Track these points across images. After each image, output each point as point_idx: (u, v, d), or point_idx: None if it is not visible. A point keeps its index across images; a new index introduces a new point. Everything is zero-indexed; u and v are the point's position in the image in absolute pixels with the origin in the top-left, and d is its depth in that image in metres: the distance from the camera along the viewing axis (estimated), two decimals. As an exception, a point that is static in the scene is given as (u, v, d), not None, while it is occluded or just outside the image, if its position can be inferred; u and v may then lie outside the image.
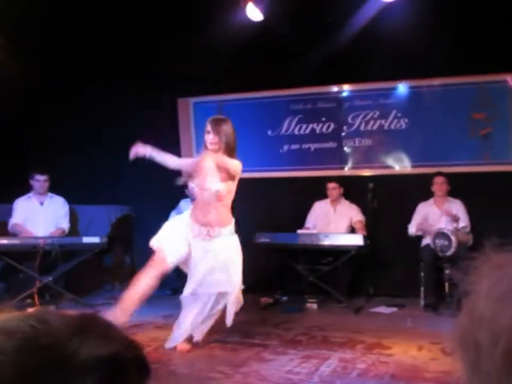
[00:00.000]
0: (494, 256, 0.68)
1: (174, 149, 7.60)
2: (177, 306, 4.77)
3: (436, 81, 6.85)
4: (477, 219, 6.23)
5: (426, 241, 6.28)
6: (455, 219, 6.13)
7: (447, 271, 5.79)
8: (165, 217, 7.03)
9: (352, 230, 6.67)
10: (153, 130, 7.52)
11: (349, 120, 7.19)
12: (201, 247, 4.54)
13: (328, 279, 6.35)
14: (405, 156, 6.99)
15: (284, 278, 6.85)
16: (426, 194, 6.50)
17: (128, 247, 7.99)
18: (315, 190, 6.98)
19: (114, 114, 7.59)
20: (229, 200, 4.64)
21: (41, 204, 6.88)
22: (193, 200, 6.85)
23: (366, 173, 7.17)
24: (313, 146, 7.36)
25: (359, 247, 6.01)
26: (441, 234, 5.97)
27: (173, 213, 7.11)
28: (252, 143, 7.33)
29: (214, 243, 4.54)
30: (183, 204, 7.08)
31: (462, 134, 6.75)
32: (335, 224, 6.75)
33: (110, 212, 7.65)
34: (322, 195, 6.92)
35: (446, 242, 5.87)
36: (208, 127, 4.55)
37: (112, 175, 7.61)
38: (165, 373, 4.04)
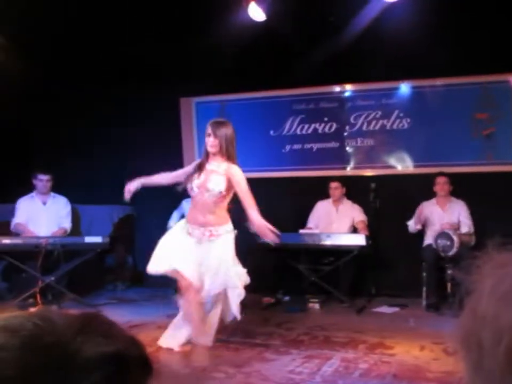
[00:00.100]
0: (497, 255, 0.67)
1: (176, 148, 7.63)
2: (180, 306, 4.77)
3: (439, 81, 6.84)
4: (479, 219, 6.22)
5: (428, 241, 6.27)
6: (455, 228, 6.13)
7: (449, 271, 5.79)
8: (166, 217, 7.07)
9: (354, 230, 6.67)
10: (155, 130, 7.56)
11: (351, 120, 7.18)
12: (203, 250, 4.53)
13: (330, 279, 6.35)
14: (407, 156, 6.98)
15: (286, 278, 6.86)
16: (429, 195, 6.50)
17: (130, 247, 8.00)
18: (317, 190, 6.98)
19: (116, 114, 7.60)
20: (227, 201, 4.64)
21: (44, 203, 6.89)
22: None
23: (368, 173, 7.16)
24: (315, 146, 7.36)
25: (361, 247, 6.01)
26: (443, 235, 5.97)
27: (174, 213, 7.11)
28: (254, 143, 7.34)
29: (215, 243, 4.54)
30: (185, 204, 7.08)
31: (464, 134, 6.75)
32: (337, 224, 6.75)
33: (112, 212, 7.66)
34: (325, 195, 6.91)
35: (448, 243, 5.87)
36: (209, 130, 4.55)
37: (114, 174, 7.61)
38: (167, 373, 4.04)
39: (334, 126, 7.27)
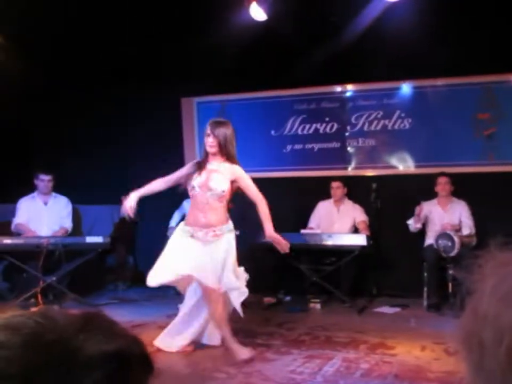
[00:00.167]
0: (499, 254, 0.67)
1: (176, 148, 7.63)
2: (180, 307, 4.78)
3: (440, 81, 6.84)
4: (481, 219, 6.21)
5: (430, 241, 6.27)
6: (456, 229, 6.13)
7: (450, 271, 5.79)
8: (167, 217, 7.07)
9: (355, 230, 6.67)
10: (156, 130, 7.57)
11: (353, 120, 7.18)
12: (209, 251, 4.53)
13: (331, 279, 6.34)
14: (409, 156, 6.98)
15: (287, 278, 6.85)
16: (430, 195, 6.49)
17: (131, 247, 8.01)
18: (318, 190, 6.98)
19: (116, 114, 7.61)
20: (227, 200, 4.65)
21: (45, 203, 6.89)
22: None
23: (370, 173, 7.16)
24: (316, 146, 7.36)
25: (362, 247, 6.01)
26: (444, 235, 5.96)
27: (175, 213, 7.12)
28: (255, 143, 7.34)
29: (218, 243, 4.54)
30: (186, 204, 7.08)
31: (466, 134, 6.74)
32: (338, 224, 6.75)
33: (113, 212, 7.65)
34: (326, 195, 6.91)
35: (449, 243, 5.86)
36: (208, 130, 4.55)
37: (115, 174, 7.62)
38: (168, 373, 4.04)
39: (335, 126, 7.27)
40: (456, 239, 5.82)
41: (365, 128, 7.13)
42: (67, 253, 6.30)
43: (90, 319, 0.67)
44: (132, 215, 4.64)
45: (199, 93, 7.64)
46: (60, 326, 0.64)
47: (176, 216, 7.11)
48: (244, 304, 4.62)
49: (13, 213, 6.79)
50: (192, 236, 4.54)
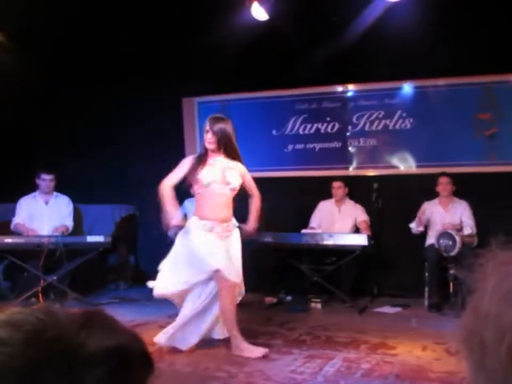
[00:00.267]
0: (500, 253, 0.67)
1: (176, 148, 7.63)
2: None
3: (441, 81, 6.83)
4: (482, 219, 6.21)
5: (431, 241, 6.26)
6: (457, 229, 6.13)
7: (451, 271, 5.78)
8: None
9: (356, 230, 6.66)
10: (156, 130, 7.57)
11: (354, 120, 7.18)
12: (223, 246, 4.56)
13: (332, 279, 6.34)
14: (410, 156, 6.98)
15: (288, 277, 6.85)
16: (431, 194, 6.49)
17: (132, 247, 8.01)
18: (319, 190, 6.98)
19: (117, 114, 7.61)
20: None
21: (46, 203, 6.90)
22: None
23: (371, 173, 7.16)
24: (317, 146, 7.36)
25: (363, 247, 6.00)
26: (445, 234, 5.96)
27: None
28: (256, 142, 7.34)
29: (231, 239, 4.62)
30: (187, 203, 7.08)
31: (467, 134, 6.74)
32: (339, 224, 6.74)
33: (114, 211, 7.67)
34: (327, 195, 6.91)
35: (450, 242, 5.86)
36: (207, 126, 4.56)
37: (117, 174, 7.64)
38: (170, 372, 4.05)
39: (337, 126, 7.27)
40: (457, 238, 5.82)
41: (366, 128, 7.13)
42: (68, 252, 6.30)
43: (91, 316, 0.67)
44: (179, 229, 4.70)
45: (200, 92, 7.64)
46: (61, 323, 0.64)
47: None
48: (245, 304, 4.63)
49: (13, 213, 6.80)
50: (210, 231, 4.54)
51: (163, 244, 6.74)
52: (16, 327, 0.62)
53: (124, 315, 5.23)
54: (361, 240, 6.06)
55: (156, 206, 7.41)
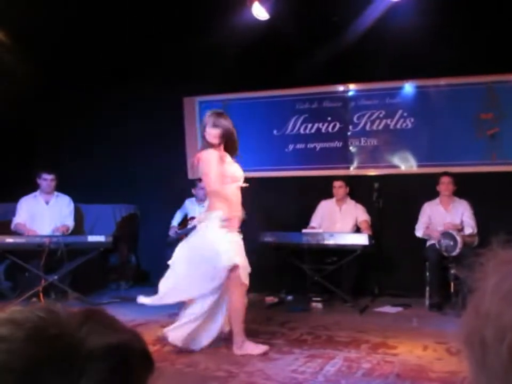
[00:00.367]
0: (501, 252, 0.67)
1: (176, 147, 7.63)
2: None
3: (443, 81, 6.83)
4: (483, 219, 6.20)
5: (432, 241, 6.26)
6: (458, 229, 6.12)
7: (452, 271, 5.78)
8: (170, 217, 7.08)
9: (357, 230, 6.66)
10: (157, 130, 7.57)
11: (355, 119, 7.17)
12: (241, 243, 4.63)
13: (333, 278, 6.34)
14: (411, 156, 6.97)
15: (289, 277, 6.85)
16: (432, 194, 6.49)
17: (133, 246, 8.01)
18: (320, 190, 6.98)
19: (120, 113, 7.61)
20: None
21: (47, 203, 6.90)
22: (199, 199, 6.87)
23: (372, 172, 7.16)
24: (318, 145, 7.35)
25: (364, 247, 6.00)
26: (446, 234, 5.96)
27: (177, 213, 7.12)
28: (257, 142, 7.34)
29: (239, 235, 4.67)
30: (188, 203, 7.09)
31: (469, 134, 6.73)
32: (340, 224, 6.74)
33: (115, 211, 7.67)
34: (328, 195, 6.91)
35: (452, 243, 5.86)
36: (211, 121, 4.56)
37: (118, 174, 7.64)
38: (171, 372, 4.05)
39: (337, 125, 7.26)
40: (458, 238, 5.82)
41: (367, 127, 7.12)
42: (69, 252, 6.30)
43: (92, 314, 0.68)
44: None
45: (201, 92, 7.64)
46: (62, 321, 0.65)
47: (178, 216, 7.11)
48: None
49: (14, 212, 6.80)
50: (234, 227, 4.60)
51: (164, 244, 6.77)
52: (17, 325, 0.63)
53: (125, 315, 5.23)
54: (362, 239, 6.06)
55: (157, 206, 7.47)
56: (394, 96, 7.05)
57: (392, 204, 6.78)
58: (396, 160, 7.04)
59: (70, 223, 6.93)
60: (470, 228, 6.20)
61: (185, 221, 7.00)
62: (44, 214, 6.82)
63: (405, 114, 6.96)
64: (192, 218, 6.50)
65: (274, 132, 7.51)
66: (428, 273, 6.21)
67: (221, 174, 4.54)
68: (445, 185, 6.39)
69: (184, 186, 7.18)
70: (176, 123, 7.76)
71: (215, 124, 4.54)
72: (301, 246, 6.31)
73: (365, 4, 6.35)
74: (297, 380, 3.95)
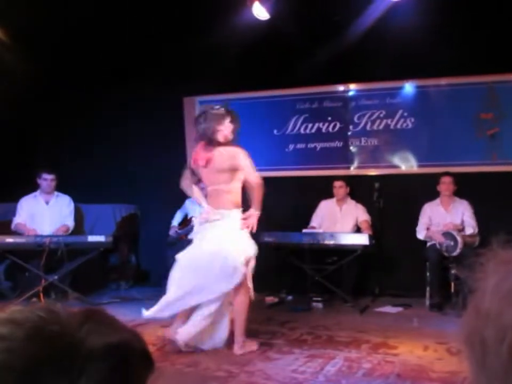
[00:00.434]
0: (501, 252, 0.67)
1: (178, 148, 7.63)
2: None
3: (443, 81, 6.82)
4: (484, 219, 6.20)
5: (432, 241, 6.26)
6: (459, 229, 6.12)
7: (452, 271, 5.78)
8: (170, 216, 7.07)
9: (357, 230, 6.66)
10: (157, 130, 7.57)
11: (355, 119, 7.17)
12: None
13: (333, 278, 6.34)
14: (411, 156, 6.97)
15: (289, 277, 6.85)
16: (433, 194, 6.48)
17: (134, 246, 8.01)
18: (321, 190, 6.98)
19: (120, 113, 7.61)
20: None
21: (47, 202, 6.90)
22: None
23: (372, 172, 7.15)
24: (319, 145, 7.35)
25: (364, 247, 6.00)
26: (447, 235, 5.95)
27: (178, 213, 7.11)
28: (257, 142, 7.32)
29: None
30: (188, 203, 7.08)
31: (469, 134, 6.73)
32: (341, 224, 6.74)
33: (115, 211, 7.67)
34: (328, 194, 6.91)
35: (452, 243, 5.86)
36: (226, 116, 4.55)
37: (118, 173, 7.64)
38: (171, 372, 4.05)
39: (338, 125, 7.26)
40: (459, 238, 5.81)
41: (368, 127, 7.12)
42: (69, 251, 6.30)
43: (92, 314, 0.68)
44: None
45: (201, 92, 7.64)
46: (62, 320, 0.65)
47: (178, 216, 7.11)
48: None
49: (14, 212, 6.81)
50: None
51: (164, 244, 6.77)
52: (17, 324, 0.63)
53: (125, 315, 5.22)
54: (362, 239, 6.06)
55: (157, 206, 7.46)
56: (395, 96, 7.05)
57: (392, 203, 6.78)
58: (396, 160, 7.04)
59: (70, 223, 6.93)
60: (471, 228, 6.20)
61: (185, 220, 7.00)
62: (44, 214, 6.82)
63: (405, 114, 6.96)
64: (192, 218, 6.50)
65: (275, 131, 7.51)
66: (428, 273, 6.20)
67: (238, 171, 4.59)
68: (446, 185, 6.38)
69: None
70: (176, 123, 7.75)
71: (232, 120, 4.56)
72: (301, 246, 6.31)
73: (365, 4, 6.35)
74: (298, 379, 3.95)
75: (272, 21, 6.44)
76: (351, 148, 7.23)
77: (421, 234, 6.43)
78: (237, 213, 4.57)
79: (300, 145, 7.42)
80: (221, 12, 6.25)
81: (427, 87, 6.93)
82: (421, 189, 6.68)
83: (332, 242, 6.16)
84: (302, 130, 7.39)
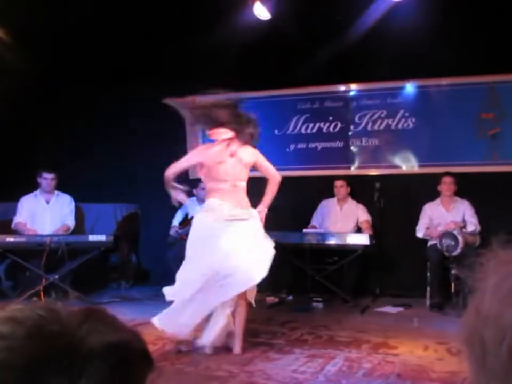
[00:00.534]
0: (501, 252, 0.67)
1: (178, 148, 7.62)
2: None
3: (444, 81, 6.82)
4: (485, 219, 6.20)
5: (433, 241, 6.25)
6: (461, 226, 6.11)
7: (453, 271, 5.77)
8: (170, 216, 7.07)
9: (358, 230, 6.66)
10: (157, 130, 7.56)
11: (356, 119, 7.17)
12: None
13: (334, 278, 6.34)
14: (412, 156, 6.97)
15: (289, 277, 6.84)
16: (433, 194, 6.48)
17: (134, 245, 8.01)
18: (321, 189, 6.98)
19: (120, 113, 7.61)
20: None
21: (48, 202, 6.90)
22: (200, 199, 6.86)
23: (373, 172, 7.15)
24: (320, 145, 7.35)
25: (365, 247, 6.00)
26: (447, 234, 5.95)
27: (178, 212, 7.11)
28: (258, 142, 7.32)
29: None
30: (189, 203, 7.07)
31: (470, 134, 6.73)
32: (341, 224, 6.74)
33: (116, 210, 7.67)
34: (329, 194, 6.91)
35: (453, 243, 5.85)
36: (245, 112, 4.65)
37: (118, 173, 7.64)
38: (171, 371, 4.04)
39: (339, 125, 7.26)
40: (459, 238, 5.81)
41: (369, 127, 7.12)
42: (70, 251, 6.31)
43: (92, 313, 0.68)
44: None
45: (201, 92, 7.62)
46: (62, 319, 0.65)
47: (178, 215, 7.11)
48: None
49: (14, 211, 6.81)
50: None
51: (164, 243, 6.77)
52: (18, 323, 0.63)
53: (125, 314, 5.23)
54: (363, 239, 6.06)
55: (158, 205, 7.46)
56: (396, 96, 7.05)
57: (393, 203, 6.78)
58: (397, 160, 7.04)
59: (71, 222, 6.93)
60: (473, 225, 6.19)
61: (186, 220, 6.99)
62: (45, 213, 6.82)
63: (406, 114, 6.96)
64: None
65: (276, 131, 7.50)
66: (428, 273, 6.20)
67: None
68: (447, 185, 6.38)
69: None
70: (176, 123, 7.74)
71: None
72: (301, 246, 6.31)
73: (366, 4, 6.35)
74: (298, 379, 3.95)
75: (273, 20, 6.44)
76: (352, 148, 7.23)
77: (420, 233, 6.43)
78: (256, 212, 4.73)
79: (300, 145, 7.42)
80: (222, 12, 6.25)
81: (428, 87, 6.93)
82: (422, 189, 6.68)
83: (332, 242, 6.16)
84: (303, 130, 7.39)
